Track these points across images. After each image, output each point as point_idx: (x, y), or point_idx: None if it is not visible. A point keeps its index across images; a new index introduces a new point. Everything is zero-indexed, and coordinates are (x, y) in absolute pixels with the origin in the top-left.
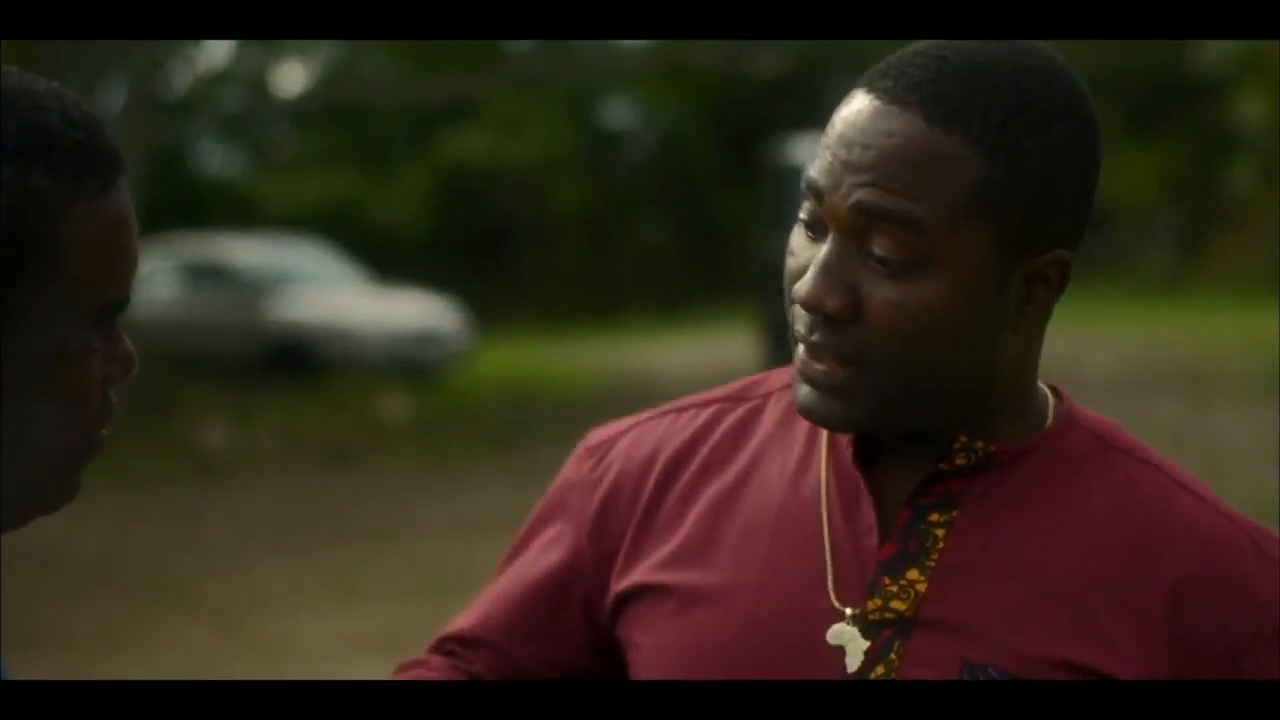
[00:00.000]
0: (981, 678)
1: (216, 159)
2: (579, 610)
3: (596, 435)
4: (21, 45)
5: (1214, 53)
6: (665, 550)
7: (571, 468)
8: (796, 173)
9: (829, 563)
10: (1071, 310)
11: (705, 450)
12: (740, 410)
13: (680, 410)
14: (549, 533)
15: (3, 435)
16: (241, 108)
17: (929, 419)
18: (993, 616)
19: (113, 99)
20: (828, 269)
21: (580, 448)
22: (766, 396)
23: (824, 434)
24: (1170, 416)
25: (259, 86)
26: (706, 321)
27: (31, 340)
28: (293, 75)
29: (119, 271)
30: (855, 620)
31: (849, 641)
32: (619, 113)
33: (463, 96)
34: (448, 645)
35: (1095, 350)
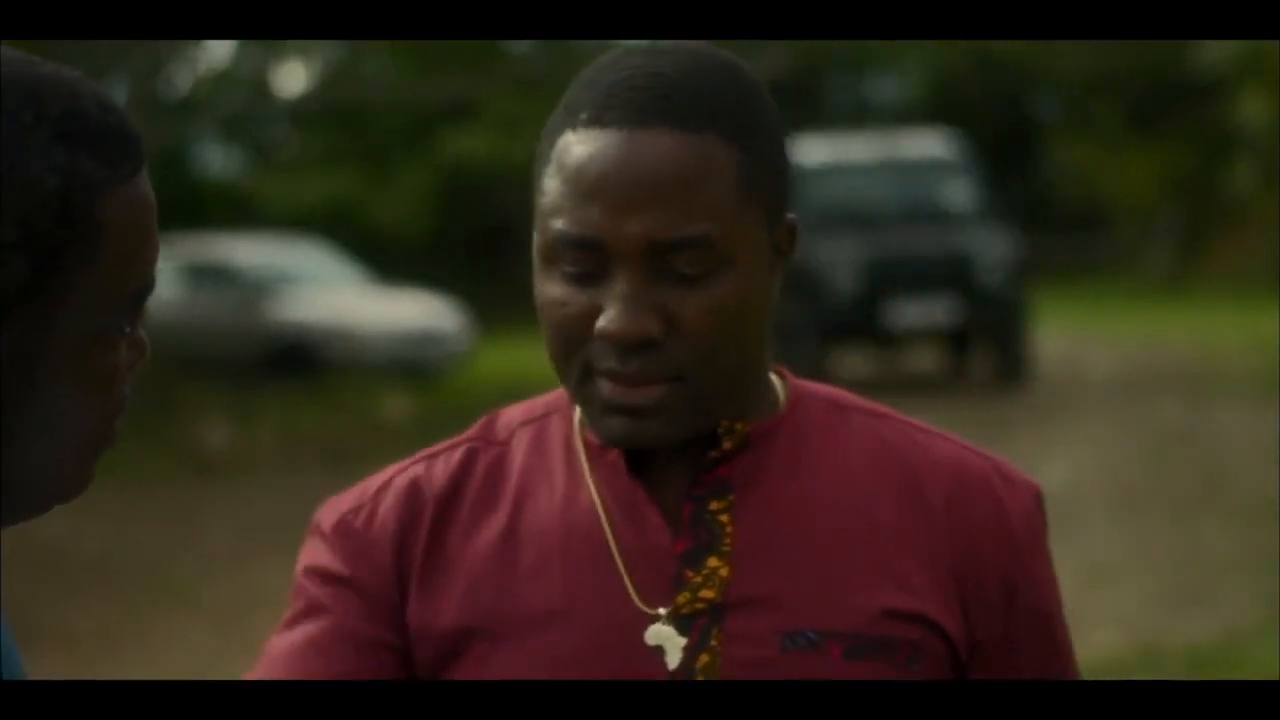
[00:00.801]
0: (801, 643)
1: (217, 159)
2: (387, 650)
3: (347, 498)
4: (21, 45)
5: (1214, 53)
6: (456, 597)
7: (332, 526)
8: (797, 173)
9: (624, 573)
10: (1072, 310)
11: (470, 492)
12: (491, 452)
13: (432, 457)
14: (330, 589)
15: (36, 420)
16: (242, 108)
17: (726, 409)
18: (797, 584)
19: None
20: (635, 299)
21: (332, 512)
22: (509, 437)
23: (582, 455)
24: (1171, 416)
25: (260, 87)
26: None
27: (72, 324)
28: (293, 76)
29: (149, 256)
30: (669, 619)
31: (666, 640)
32: None
33: (463, 97)
34: None
35: (1096, 350)
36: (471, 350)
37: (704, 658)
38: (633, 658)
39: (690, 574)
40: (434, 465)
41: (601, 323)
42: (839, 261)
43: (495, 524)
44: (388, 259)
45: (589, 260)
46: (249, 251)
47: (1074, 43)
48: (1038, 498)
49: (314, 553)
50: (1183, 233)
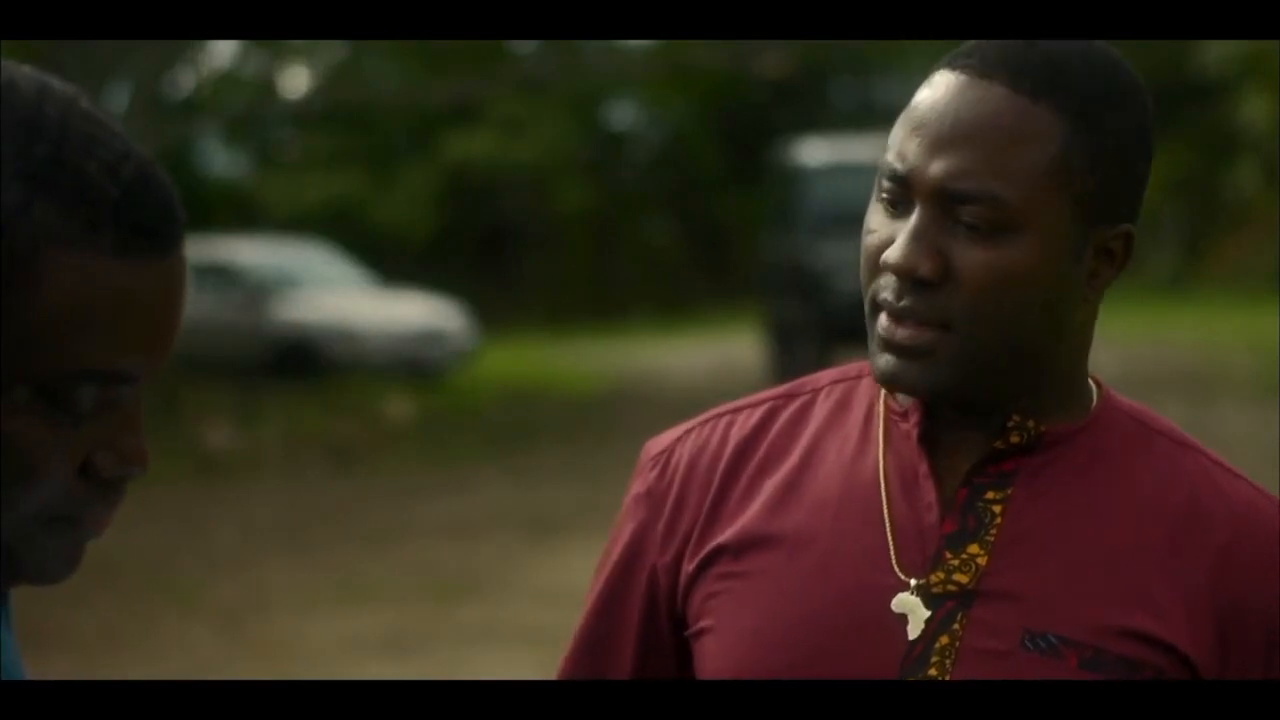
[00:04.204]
0: (1041, 644)
1: (221, 160)
2: (664, 615)
3: (656, 444)
4: (25, 45)
5: (1216, 53)
6: (730, 536)
7: (638, 482)
8: (800, 174)
9: (891, 539)
10: None
11: (764, 446)
12: (793, 406)
13: (736, 411)
14: (625, 520)
15: None
16: (246, 109)
17: (1002, 386)
18: (1050, 586)
19: (117, 100)
20: (919, 236)
21: (643, 460)
22: (816, 391)
23: (879, 421)
24: (1173, 416)
25: (264, 88)
26: (710, 322)
27: None
28: (297, 77)
29: (95, 344)
30: (919, 591)
31: (912, 610)
32: (623, 114)
33: (467, 97)
34: None
35: (1100, 350)
36: (475, 351)
37: (944, 639)
38: (874, 619)
39: (949, 555)
40: (735, 420)
41: (886, 253)
42: (840, 262)
43: (781, 474)
44: (391, 260)
45: (898, 191)
46: (252, 252)
47: None
48: None
49: (634, 480)
50: (1186, 233)
